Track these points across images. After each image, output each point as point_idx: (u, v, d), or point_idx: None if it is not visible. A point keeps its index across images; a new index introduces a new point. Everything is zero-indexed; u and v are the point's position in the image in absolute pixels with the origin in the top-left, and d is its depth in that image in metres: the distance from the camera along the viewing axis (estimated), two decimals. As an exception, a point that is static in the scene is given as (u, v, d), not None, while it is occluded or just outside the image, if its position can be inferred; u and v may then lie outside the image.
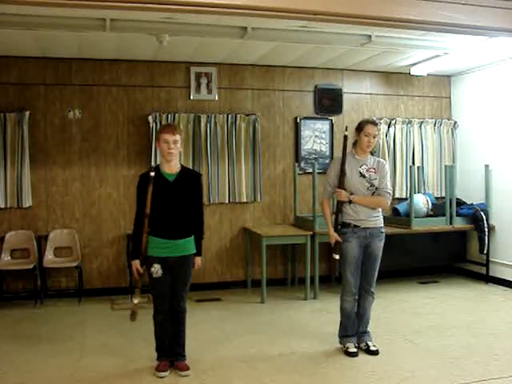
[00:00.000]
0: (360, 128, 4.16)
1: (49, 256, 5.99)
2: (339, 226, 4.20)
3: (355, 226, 4.13)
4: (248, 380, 3.76)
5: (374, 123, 4.17)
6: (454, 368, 3.90)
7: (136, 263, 3.75)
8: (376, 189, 4.16)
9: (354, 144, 4.26)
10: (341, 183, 4.13)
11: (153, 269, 3.69)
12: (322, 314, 5.45)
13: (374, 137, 4.14)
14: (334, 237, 4.16)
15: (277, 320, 5.26)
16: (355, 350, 4.17)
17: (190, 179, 3.82)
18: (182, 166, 3.86)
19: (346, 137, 4.24)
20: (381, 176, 4.19)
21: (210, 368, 3.88)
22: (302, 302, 5.95)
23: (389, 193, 4.20)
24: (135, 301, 3.80)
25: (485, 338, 4.57)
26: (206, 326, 4.92)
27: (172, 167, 3.76)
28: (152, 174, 3.69)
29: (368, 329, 4.32)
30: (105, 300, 5.98)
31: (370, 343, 4.23)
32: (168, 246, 3.71)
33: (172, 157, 3.70)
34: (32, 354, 4.26)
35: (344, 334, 4.27)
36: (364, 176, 4.14)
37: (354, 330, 4.25)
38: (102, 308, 5.73)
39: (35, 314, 5.53)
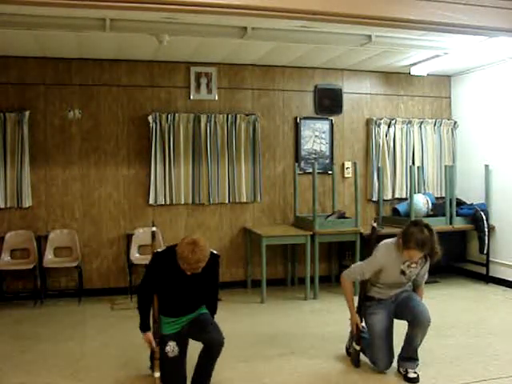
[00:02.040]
0: (407, 245, 3.62)
1: (49, 256, 5.98)
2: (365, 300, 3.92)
3: (379, 299, 3.86)
4: (248, 380, 3.76)
5: (421, 248, 3.58)
6: (453, 368, 3.90)
7: (148, 335, 3.41)
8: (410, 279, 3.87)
9: (400, 247, 3.69)
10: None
11: (168, 347, 3.37)
12: (322, 314, 5.45)
13: (419, 258, 3.70)
14: (357, 321, 3.87)
15: (277, 320, 5.26)
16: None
17: (208, 267, 3.39)
18: None
19: (374, 228, 3.97)
20: (423, 271, 3.87)
21: (209, 368, 3.87)
22: (302, 302, 5.95)
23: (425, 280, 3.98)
24: (156, 375, 3.41)
25: (485, 338, 4.57)
26: (205, 326, 4.90)
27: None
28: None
29: (418, 357, 3.78)
30: (105, 300, 5.98)
31: (410, 370, 3.71)
32: (179, 321, 3.51)
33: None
34: (32, 354, 4.26)
35: (358, 341, 3.94)
36: (404, 273, 3.76)
37: None
38: (102, 308, 5.73)
39: (35, 314, 5.53)
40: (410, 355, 3.76)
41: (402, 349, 3.81)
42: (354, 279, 3.97)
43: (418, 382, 3.65)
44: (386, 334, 3.79)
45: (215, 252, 3.52)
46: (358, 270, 3.89)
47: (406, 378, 3.69)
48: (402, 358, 3.81)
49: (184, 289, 3.44)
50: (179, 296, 3.47)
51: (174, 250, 3.38)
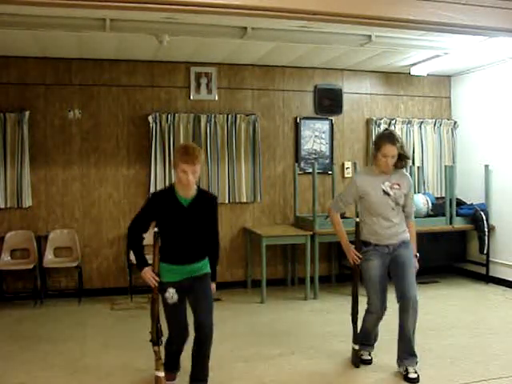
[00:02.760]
0: (377, 146, 3.71)
1: (49, 256, 5.99)
2: (361, 245, 3.88)
3: (376, 245, 3.79)
4: (248, 380, 3.76)
5: (393, 142, 3.66)
6: (453, 368, 3.90)
7: (148, 270, 3.40)
8: (402, 207, 3.80)
9: (375, 157, 3.80)
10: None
11: (167, 294, 3.39)
12: (321, 314, 5.45)
13: (393, 157, 3.68)
14: (353, 256, 3.87)
15: (277, 320, 5.26)
16: (369, 357, 4.01)
17: (205, 203, 3.53)
18: (198, 188, 3.55)
19: (357, 224, 3.94)
20: (407, 193, 3.81)
21: (210, 368, 3.86)
22: (302, 302, 5.95)
23: (413, 212, 3.96)
24: (160, 374, 3.41)
25: (485, 338, 4.57)
26: (205, 326, 4.92)
27: (188, 192, 3.47)
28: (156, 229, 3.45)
29: (415, 353, 3.75)
30: (105, 300, 5.98)
31: (410, 369, 3.69)
32: (180, 270, 3.46)
33: (190, 186, 3.44)
34: (32, 354, 4.26)
35: (357, 340, 3.98)
36: (388, 194, 3.73)
37: (369, 341, 4.03)
38: (102, 308, 5.73)
39: (35, 314, 5.53)
40: (407, 350, 3.73)
41: (399, 346, 3.80)
42: (339, 208, 4.01)
43: (418, 382, 3.64)
44: (379, 279, 3.80)
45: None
46: (339, 197, 4.01)
47: (406, 378, 3.67)
48: (400, 357, 3.78)
49: (183, 226, 3.45)
50: (179, 236, 3.47)
51: (170, 186, 3.59)
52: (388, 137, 3.71)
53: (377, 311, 3.85)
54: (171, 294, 3.39)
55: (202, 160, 3.46)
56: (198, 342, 3.46)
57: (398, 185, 3.77)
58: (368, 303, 3.90)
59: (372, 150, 3.91)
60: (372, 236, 3.81)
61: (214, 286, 3.60)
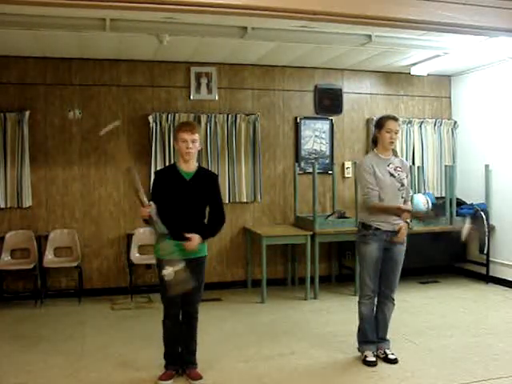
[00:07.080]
0: (380, 125, 3.99)
1: (49, 256, 5.98)
2: (360, 227, 4.06)
3: (376, 229, 3.94)
4: (248, 380, 3.76)
5: (395, 118, 4.00)
6: (453, 368, 3.90)
7: (143, 209, 3.42)
8: (405, 189, 4.00)
9: (374, 142, 4.06)
10: None
11: (164, 271, 3.46)
12: (321, 314, 5.45)
13: (396, 133, 3.95)
14: (398, 207, 3.94)
15: (277, 320, 5.26)
16: (374, 359, 3.98)
17: (206, 179, 3.74)
18: (198, 165, 3.77)
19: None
20: (407, 176, 4.07)
21: (210, 368, 3.88)
22: (302, 302, 5.95)
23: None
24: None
25: (485, 338, 4.57)
26: (206, 326, 4.91)
27: (189, 166, 3.67)
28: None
29: (387, 337, 4.11)
30: (105, 300, 5.97)
31: (388, 351, 4.04)
32: (180, 248, 3.54)
33: (190, 156, 3.62)
34: (32, 354, 4.26)
35: (362, 340, 4.07)
36: (394, 176, 3.96)
37: (373, 337, 4.05)
38: (102, 308, 5.73)
39: (35, 314, 5.53)
40: (384, 335, 4.08)
41: (376, 332, 4.06)
42: (376, 195, 3.93)
43: (398, 362, 3.98)
44: (376, 262, 3.98)
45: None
46: (367, 187, 3.92)
47: (387, 359, 3.99)
48: (376, 342, 4.06)
49: (186, 200, 3.62)
50: (181, 210, 3.62)
51: (172, 164, 3.85)
52: (389, 115, 4.09)
53: (369, 294, 4.02)
54: (168, 272, 3.48)
55: (199, 133, 3.67)
56: (183, 328, 3.71)
57: (400, 168, 4.03)
58: (361, 286, 4.08)
59: (374, 133, 4.10)
60: (375, 219, 3.94)
61: (197, 238, 3.58)
